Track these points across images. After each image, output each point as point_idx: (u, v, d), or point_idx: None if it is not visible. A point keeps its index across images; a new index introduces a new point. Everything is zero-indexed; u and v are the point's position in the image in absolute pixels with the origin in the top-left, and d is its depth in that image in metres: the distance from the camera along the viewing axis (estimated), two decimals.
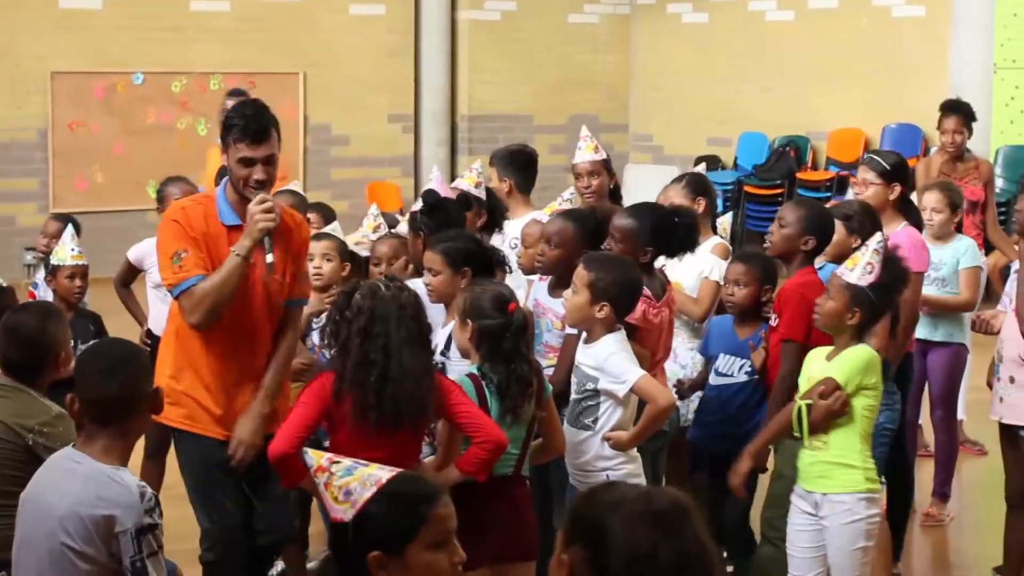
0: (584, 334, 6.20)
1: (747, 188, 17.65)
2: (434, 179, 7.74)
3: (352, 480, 3.70)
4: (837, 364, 5.93)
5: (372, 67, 18.26)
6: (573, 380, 6.18)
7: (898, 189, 7.73)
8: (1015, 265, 7.17)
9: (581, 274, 6.08)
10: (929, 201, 8.50)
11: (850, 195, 8.57)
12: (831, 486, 5.92)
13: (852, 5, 17.47)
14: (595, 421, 6.08)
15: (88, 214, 15.76)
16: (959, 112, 10.39)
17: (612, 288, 6.04)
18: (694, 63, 18.84)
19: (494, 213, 7.67)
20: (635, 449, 6.15)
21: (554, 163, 18.44)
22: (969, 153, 10.52)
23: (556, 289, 6.66)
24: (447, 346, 6.29)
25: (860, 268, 5.96)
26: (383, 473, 3.73)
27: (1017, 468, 6.83)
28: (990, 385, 7.21)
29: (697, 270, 7.46)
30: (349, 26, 18.18)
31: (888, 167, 7.77)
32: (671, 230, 6.69)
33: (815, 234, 6.69)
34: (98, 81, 16.84)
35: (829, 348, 6.07)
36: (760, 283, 6.84)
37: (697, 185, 7.95)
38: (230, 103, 10.46)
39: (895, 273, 6.08)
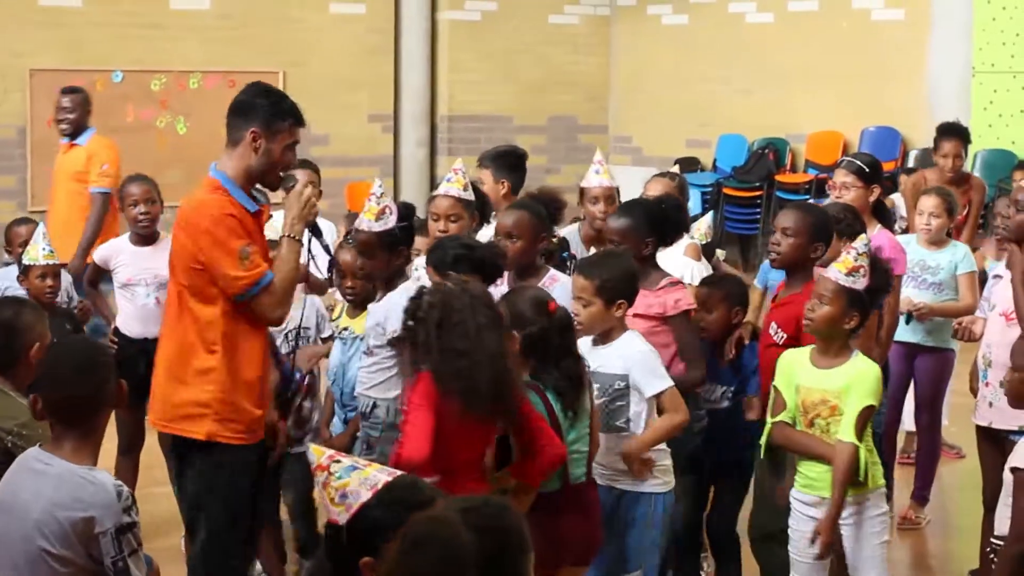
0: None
1: (726, 190, 17.67)
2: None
3: (349, 482, 3.66)
4: (858, 387, 5.85)
5: (352, 66, 18.23)
6: (594, 387, 6.08)
7: (877, 190, 7.75)
8: (993, 270, 7.19)
9: (583, 284, 6.04)
10: (927, 206, 8.50)
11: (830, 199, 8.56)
12: (851, 488, 5.89)
13: (832, 8, 17.49)
14: (627, 421, 6.05)
15: None
16: (956, 135, 10.34)
17: (620, 284, 6.04)
18: (674, 65, 18.85)
19: (483, 213, 7.62)
20: (665, 446, 6.14)
21: (534, 164, 18.34)
22: (964, 175, 10.51)
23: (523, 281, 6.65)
24: None
25: (853, 271, 5.91)
26: (382, 476, 3.69)
27: (996, 472, 6.84)
28: (974, 391, 7.22)
29: (675, 272, 7.48)
30: (329, 25, 18.16)
31: (867, 168, 7.78)
32: (664, 217, 6.75)
33: (824, 240, 6.66)
34: (77, 79, 16.72)
35: (806, 349, 6.03)
36: (730, 306, 6.84)
37: (680, 184, 8.00)
38: (65, 101, 10.58)
39: (883, 275, 6.07)
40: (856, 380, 5.86)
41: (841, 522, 5.92)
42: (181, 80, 17.28)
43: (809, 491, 5.98)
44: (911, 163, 16.23)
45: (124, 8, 16.85)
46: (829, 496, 5.86)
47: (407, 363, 5.43)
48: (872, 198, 7.80)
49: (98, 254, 8.51)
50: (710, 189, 17.66)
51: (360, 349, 6.66)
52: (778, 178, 17.53)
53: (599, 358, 6.04)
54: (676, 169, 9.15)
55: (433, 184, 18.56)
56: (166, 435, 6.11)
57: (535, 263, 6.74)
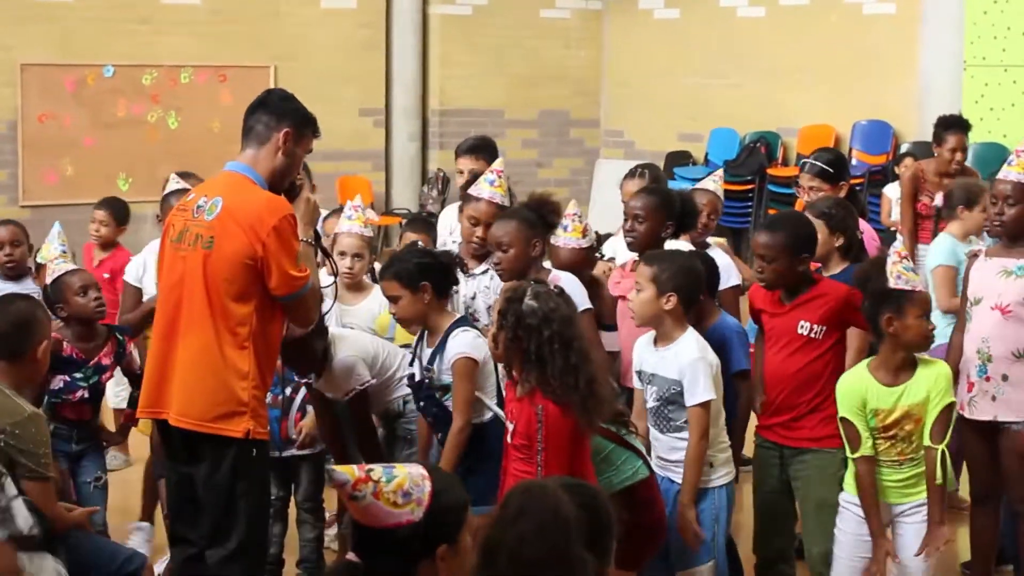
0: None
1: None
2: None
3: (401, 481, 3.62)
4: (934, 391, 5.88)
5: (343, 61, 18.22)
6: (649, 389, 6.14)
7: (845, 187, 7.75)
8: (977, 265, 7.19)
9: (643, 270, 6.11)
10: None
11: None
12: (917, 495, 5.94)
13: (823, 2, 17.49)
14: (686, 421, 6.07)
15: (58, 207, 15.72)
16: (962, 129, 10.28)
17: (677, 278, 6.07)
18: (665, 59, 18.86)
19: None
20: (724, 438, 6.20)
21: (525, 158, 18.48)
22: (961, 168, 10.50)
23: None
24: (431, 361, 6.30)
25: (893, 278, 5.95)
26: (416, 468, 3.67)
27: (986, 464, 6.85)
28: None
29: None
30: (320, 19, 18.14)
31: (830, 168, 7.77)
32: (680, 207, 6.87)
33: (808, 250, 6.61)
34: (68, 73, 16.77)
35: (864, 372, 5.98)
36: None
37: (656, 181, 8.00)
38: None
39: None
40: (934, 384, 5.88)
41: (904, 519, 5.95)
42: (172, 75, 17.26)
43: (884, 499, 6.00)
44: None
45: (115, 2, 16.82)
46: (900, 502, 5.95)
47: (522, 378, 5.45)
48: (841, 195, 7.80)
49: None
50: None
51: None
52: (770, 172, 17.54)
53: (659, 361, 6.10)
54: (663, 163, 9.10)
55: (424, 178, 18.56)
56: (173, 436, 5.87)
57: (532, 269, 6.72)
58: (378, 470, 3.64)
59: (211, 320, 5.66)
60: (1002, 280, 6.76)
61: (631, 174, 8.06)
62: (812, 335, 6.42)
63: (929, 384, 5.86)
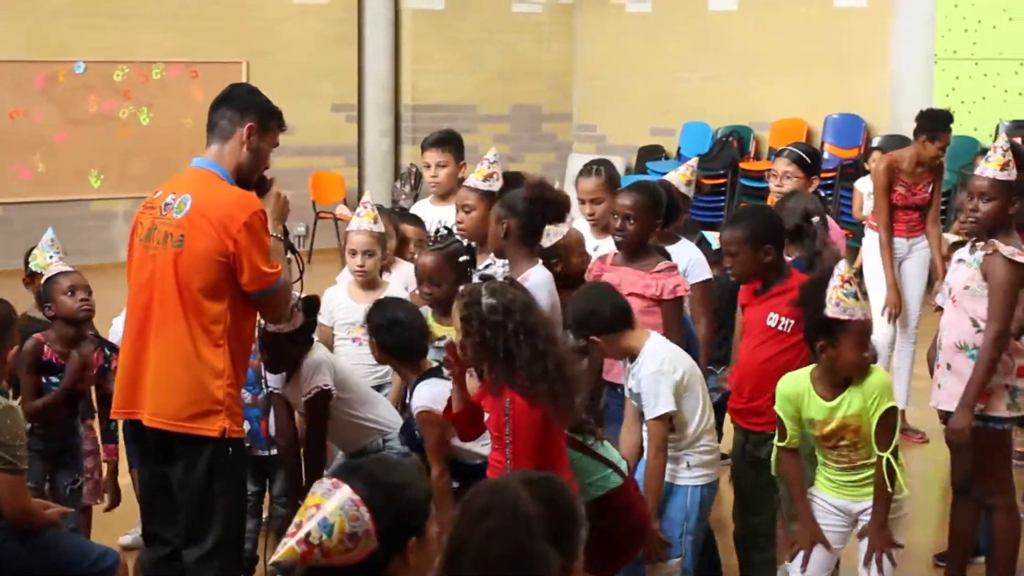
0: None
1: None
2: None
3: (340, 525, 3.45)
4: (871, 399, 5.78)
5: (315, 56, 18.20)
6: (635, 405, 6.14)
7: (816, 181, 7.79)
8: (957, 255, 7.22)
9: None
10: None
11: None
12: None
13: None
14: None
15: (30, 204, 15.70)
16: (949, 124, 10.23)
17: (601, 319, 6.03)
18: (638, 53, 18.87)
19: None
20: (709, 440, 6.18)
21: (499, 152, 18.47)
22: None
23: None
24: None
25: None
26: (341, 495, 3.52)
27: (961, 454, 6.88)
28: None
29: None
30: (292, 15, 18.13)
31: (808, 159, 7.80)
32: (668, 204, 6.88)
33: (772, 240, 6.61)
34: (39, 70, 16.72)
35: (804, 379, 5.92)
36: None
37: (611, 179, 7.98)
38: None
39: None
40: (869, 395, 5.79)
41: (865, 518, 5.89)
42: (144, 71, 17.22)
43: (833, 495, 5.98)
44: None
45: None
46: (861, 500, 5.88)
47: (493, 377, 5.39)
48: (811, 188, 7.84)
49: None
50: None
51: None
52: (742, 166, 17.57)
53: (629, 372, 6.09)
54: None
55: (397, 173, 18.56)
56: (147, 436, 5.77)
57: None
58: (313, 529, 3.50)
59: (184, 318, 5.59)
60: (959, 269, 6.84)
61: (587, 171, 8.03)
62: (780, 327, 6.45)
63: (865, 395, 5.78)
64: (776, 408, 5.98)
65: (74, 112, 16.90)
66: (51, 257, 7.02)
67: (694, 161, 8.38)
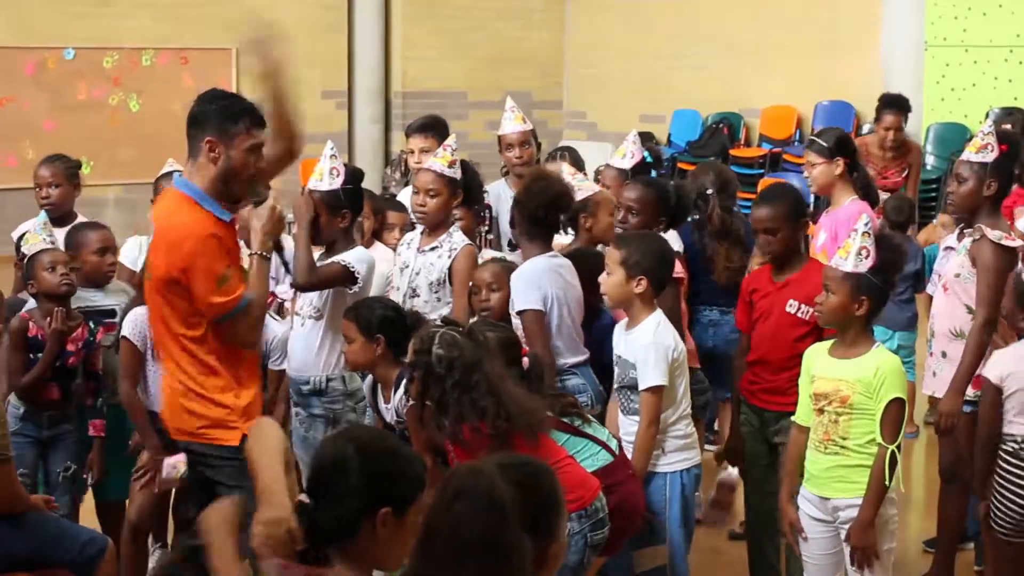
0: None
1: (680, 165, 17.68)
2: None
3: None
4: (881, 382, 5.65)
5: (305, 43, 18.14)
6: (616, 371, 6.14)
7: (841, 163, 7.79)
8: (944, 242, 7.23)
9: (612, 253, 6.08)
10: None
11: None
12: (853, 490, 5.71)
13: None
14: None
15: (19, 191, 15.65)
16: (897, 106, 10.54)
17: (646, 261, 6.05)
18: (628, 40, 18.86)
19: (470, 190, 7.41)
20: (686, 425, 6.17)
21: (488, 140, 18.39)
22: (901, 141, 10.70)
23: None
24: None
25: (853, 255, 5.70)
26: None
27: (949, 441, 6.89)
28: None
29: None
30: (282, 1, 18.08)
31: (825, 144, 7.82)
32: (673, 201, 6.87)
33: (803, 215, 6.71)
34: (28, 56, 16.69)
35: (828, 343, 5.87)
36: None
37: (576, 164, 8.03)
38: None
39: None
40: (876, 375, 5.66)
41: (842, 515, 5.77)
42: (133, 57, 17.20)
43: (811, 488, 5.84)
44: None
45: None
46: (832, 495, 5.76)
47: (432, 424, 5.40)
48: (838, 171, 7.84)
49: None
50: (665, 164, 17.67)
51: None
52: (732, 152, 17.57)
53: (621, 343, 6.11)
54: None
55: (387, 160, 18.53)
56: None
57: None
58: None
59: (174, 346, 5.55)
60: (948, 257, 6.86)
61: (551, 157, 8.12)
62: (800, 314, 6.46)
63: (869, 370, 5.66)
64: (800, 380, 5.94)
65: (64, 99, 16.87)
66: (44, 240, 7.00)
67: (632, 135, 8.44)
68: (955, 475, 6.97)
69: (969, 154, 6.77)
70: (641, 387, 5.98)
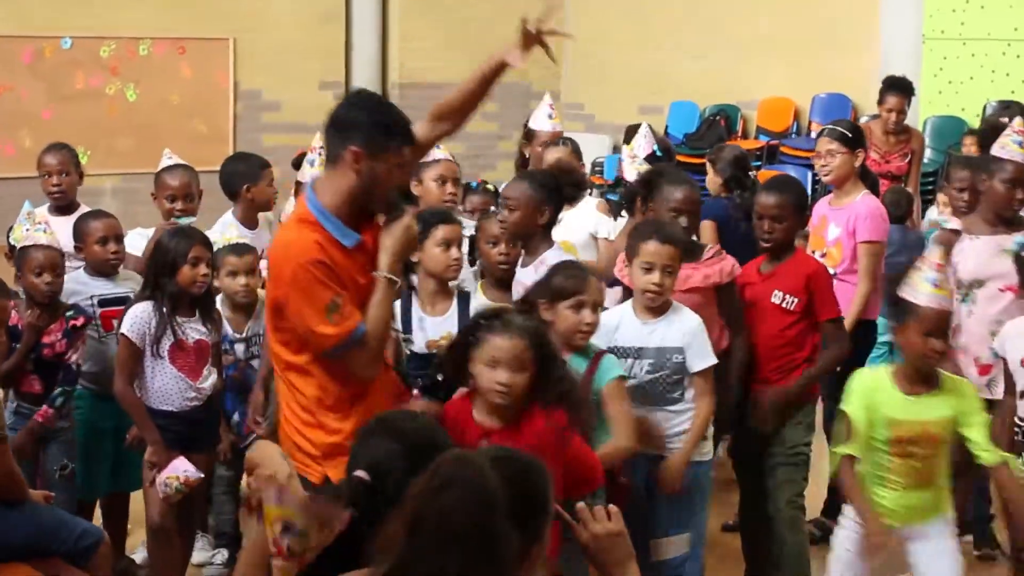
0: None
1: (678, 157, 17.64)
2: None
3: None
4: (970, 409, 5.54)
5: (303, 33, 18.15)
6: (643, 364, 6.04)
7: (862, 155, 7.82)
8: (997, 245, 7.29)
9: (671, 252, 6.05)
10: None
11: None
12: (929, 519, 5.69)
13: None
14: (683, 394, 6.06)
15: (16, 180, 15.64)
16: (900, 89, 10.58)
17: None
18: (626, 32, 18.84)
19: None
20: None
21: (486, 131, 18.42)
22: (903, 126, 10.71)
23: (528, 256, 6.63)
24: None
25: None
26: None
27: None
28: None
29: (584, 229, 7.53)
30: None
31: (850, 134, 7.82)
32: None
33: (805, 210, 6.80)
34: (25, 45, 16.67)
35: (884, 373, 5.66)
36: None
37: (576, 152, 8.11)
38: None
39: None
40: (963, 405, 5.54)
41: (918, 541, 5.65)
42: (131, 47, 17.17)
43: (893, 521, 5.66)
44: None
45: None
46: (919, 523, 5.64)
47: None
48: (857, 163, 7.86)
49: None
50: (662, 156, 17.65)
51: None
52: (730, 144, 17.54)
53: (653, 333, 6.04)
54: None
55: None
56: None
57: (536, 237, 6.67)
58: (290, 542, 3.56)
59: (281, 372, 5.10)
60: (1002, 259, 6.84)
61: (553, 143, 8.17)
62: (785, 304, 6.47)
63: (956, 405, 5.53)
64: (844, 407, 5.72)
65: (61, 88, 16.85)
66: (27, 230, 6.98)
67: (644, 128, 8.46)
68: (960, 471, 7.00)
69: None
70: (700, 367, 5.99)
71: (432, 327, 6.14)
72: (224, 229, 7.51)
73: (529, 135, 8.27)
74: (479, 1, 18.93)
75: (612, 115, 18.61)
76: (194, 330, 6.69)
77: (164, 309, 6.58)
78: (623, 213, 7.37)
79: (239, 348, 7.13)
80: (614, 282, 6.84)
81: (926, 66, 16.09)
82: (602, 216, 7.71)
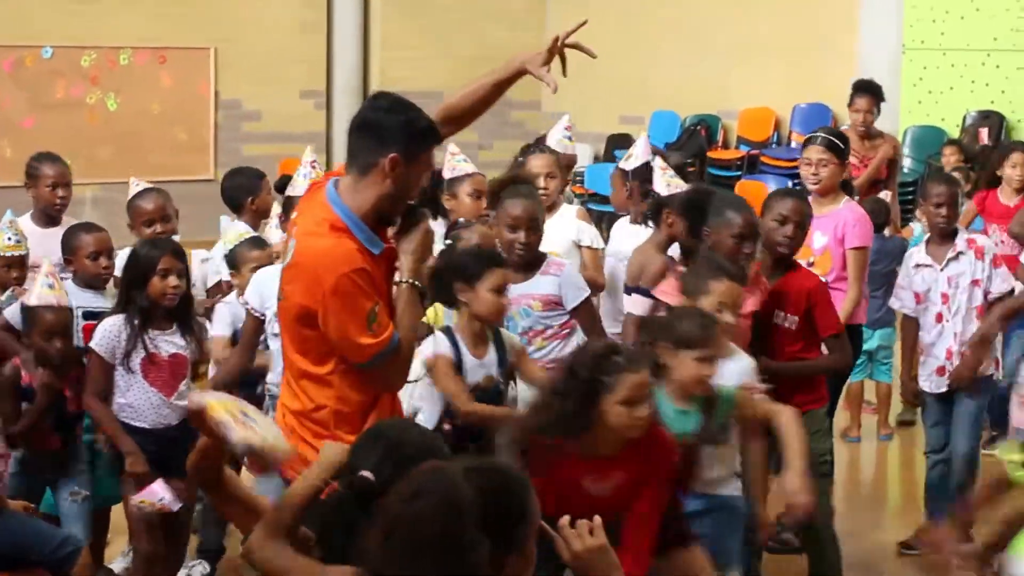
0: None
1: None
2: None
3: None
4: None
5: (284, 42, 18.16)
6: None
7: (848, 165, 7.85)
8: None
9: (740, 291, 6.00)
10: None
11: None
12: None
13: None
14: (729, 436, 5.92)
15: None
16: (869, 92, 10.69)
17: None
18: (608, 41, 18.84)
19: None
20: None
21: (466, 139, 18.35)
22: (876, 131, 10.75)
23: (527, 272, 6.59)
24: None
25: None
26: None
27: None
28: None
29: (566, 237, 7.53)
30: (261, 0, 18.08)
31: (841, 144, 7.80)
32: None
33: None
34: (6, 54, 16.65)
35: None
36: None
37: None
38: None
39: None
40: None
41: None
42: (111, 56, 17.16)
43: None
44: None
45: None
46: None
47: None
48: (846, 173, 7.89)
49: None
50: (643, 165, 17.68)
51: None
52: (710, 154, 17.59)
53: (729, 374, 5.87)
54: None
55: None
56: None
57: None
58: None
59: (295, 380, 4.92)
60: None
61: (539, 148, 8.10)
62: (787, 324, 6.46)
63: None
64: None
65: (42, 97, 16.83)
66: (10, 239, 6.88)
67: (642, 139, 8.42)
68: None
69: None
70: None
71: (473, 370, 5.98)
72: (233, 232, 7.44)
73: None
74: (461, 10, 18.95)
75: (593, 124, 18.63)
76: (170, 343, 6.45)
77: (135, 322, 6.34)
78: (648, 224, 7.30)
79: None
80: (629, 289, 6.91)
81: (906, 76, 16.15)
82: (583, 224, 7.70)
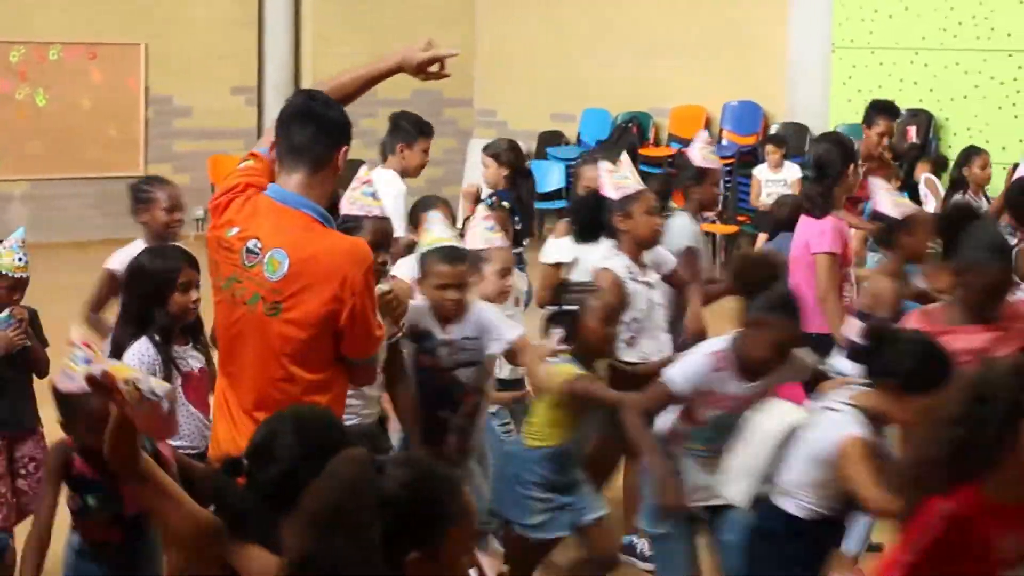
0: None
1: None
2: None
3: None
4: None
5: (215, 38, 18.09)
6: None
7: (851, 170, 7.86)
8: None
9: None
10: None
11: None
12: None
13: None
14: None
15: None
16: (892, 115, 10.45)
17: None
18: (538, 38, 18.90)
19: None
20: None
21: None
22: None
23: None
24: None
25: None
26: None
27: None
28: None
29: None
30: None
31: (817, 167, 7.81)
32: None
33: None
34: None
35: None
36: None
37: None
38: None
39: None
40: None
41: None
42: (40, 51, 17.03)
43: None
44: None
45: None
46: None
47: None
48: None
49: (116, 262, 6.91)
50: (574, 163, 17.71)
51: None
52: (642, 152, 17.64)
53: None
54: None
55: None
56: None
57: None
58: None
59: (300, 397, 4.64)
60: None
61: (585, 160, 8.15)
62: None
63: None
64: None
65: None
66: (19, 260, 6.49)
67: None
68: None
69: None
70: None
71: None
72: None
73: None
74: (392, 6, 18.93)
75: (525, 122, 18.66)
76: (194, 359, 5.92)
77: (156, 340, 5.72)
78: (876, 249, 7.18)
79: None
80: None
81: (835, 75, 16.25)
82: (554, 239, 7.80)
